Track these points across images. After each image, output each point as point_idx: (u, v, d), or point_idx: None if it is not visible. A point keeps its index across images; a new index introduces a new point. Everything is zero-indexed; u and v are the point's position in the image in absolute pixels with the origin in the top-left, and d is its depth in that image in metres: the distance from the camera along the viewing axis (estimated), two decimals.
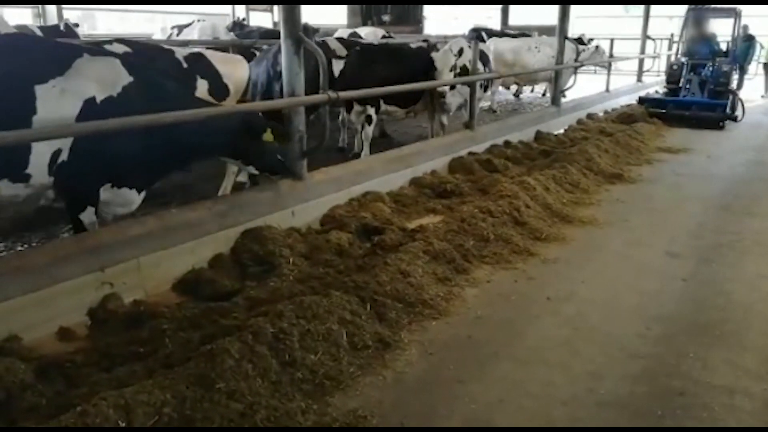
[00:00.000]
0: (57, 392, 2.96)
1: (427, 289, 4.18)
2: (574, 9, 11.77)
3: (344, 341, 3.44)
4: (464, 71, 8.18)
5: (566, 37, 11.24)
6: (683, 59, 12.95)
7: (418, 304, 4.01)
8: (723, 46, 13.29)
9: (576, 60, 12.02)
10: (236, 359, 2.98)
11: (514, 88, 16.06)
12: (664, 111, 11.93)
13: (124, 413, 2.60)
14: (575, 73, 12.63)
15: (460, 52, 8.03)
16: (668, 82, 13.15)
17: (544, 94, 16.34)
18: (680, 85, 12.58)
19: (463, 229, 5.10)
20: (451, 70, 7.88)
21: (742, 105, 12.05)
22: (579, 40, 14.11)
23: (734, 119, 11.70)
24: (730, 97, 11.95)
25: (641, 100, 12.74)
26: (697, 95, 12.17)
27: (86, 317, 3.71)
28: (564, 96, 11.97)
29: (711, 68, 12.25)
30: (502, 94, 15.52)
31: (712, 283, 4.64)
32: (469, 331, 3.84)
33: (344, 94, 5.64)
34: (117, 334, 3.55)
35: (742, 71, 16.45)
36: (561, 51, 10.89)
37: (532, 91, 17.12)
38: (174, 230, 4.33)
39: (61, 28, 11.27)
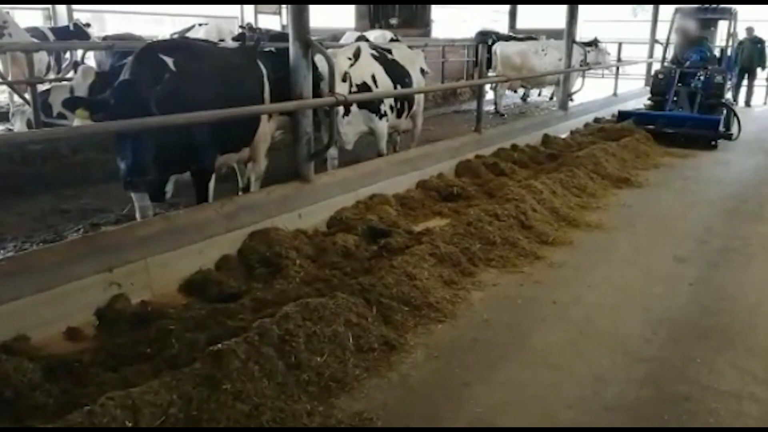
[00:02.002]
0: (64, 392, 2.98)
1: (433, 291, 4.18)
2: (582, 13, 11.54)
3: (350, 343, 3.45)
4: (364, 87, 6.24)
5: (574, 41, 11.18)
6: (672, 68, 11.33)
7: (423, 307, 4.01)
8: (717, 52, 12.01)
9: (583, 63, 11.96)
10: (242, 360, 2.99)
11: (521, 91, 16.06)
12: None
13: (130, 413, 2.61)
14: (583, 76, 12.57)
15: (356, 55, 5.93)
16: (653, 93, 11.36)
17: (551, 98, 16.32)
18: (667, 97, 10.83)
19: (469, 233, 5.09)
20: (344, 80, 5.73)
21: (738, 120, 10.54)
22: (591, 44, 14.06)
23: (728, 138, 10.11)
24: (724, 111, 10.47)
25: (620, 115, 11.13)
26: (686, 109, 10.55)
27: (94, 317, 3.74)
28: (572, 100, 11.88)
29: (702, 78, 10.71)
30: (510, 98, 15.51)
31: (718, 288, 4.62)
32: (474, 334, 3.83)
33: (352, 97, 5.66)
34: (124, 334, 3.58)
35: (752, 78, 15.53)
36: (569, 54, 10.86)
37: (539, 94, 17.11)
38: (181, 231, 4.36)
39: (71, 28, 11.33)
